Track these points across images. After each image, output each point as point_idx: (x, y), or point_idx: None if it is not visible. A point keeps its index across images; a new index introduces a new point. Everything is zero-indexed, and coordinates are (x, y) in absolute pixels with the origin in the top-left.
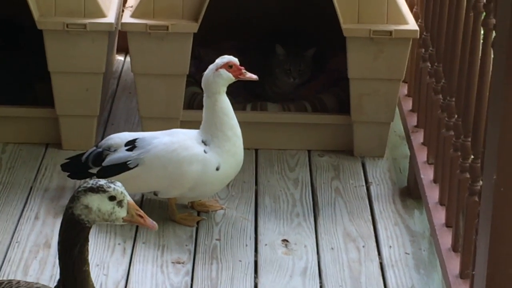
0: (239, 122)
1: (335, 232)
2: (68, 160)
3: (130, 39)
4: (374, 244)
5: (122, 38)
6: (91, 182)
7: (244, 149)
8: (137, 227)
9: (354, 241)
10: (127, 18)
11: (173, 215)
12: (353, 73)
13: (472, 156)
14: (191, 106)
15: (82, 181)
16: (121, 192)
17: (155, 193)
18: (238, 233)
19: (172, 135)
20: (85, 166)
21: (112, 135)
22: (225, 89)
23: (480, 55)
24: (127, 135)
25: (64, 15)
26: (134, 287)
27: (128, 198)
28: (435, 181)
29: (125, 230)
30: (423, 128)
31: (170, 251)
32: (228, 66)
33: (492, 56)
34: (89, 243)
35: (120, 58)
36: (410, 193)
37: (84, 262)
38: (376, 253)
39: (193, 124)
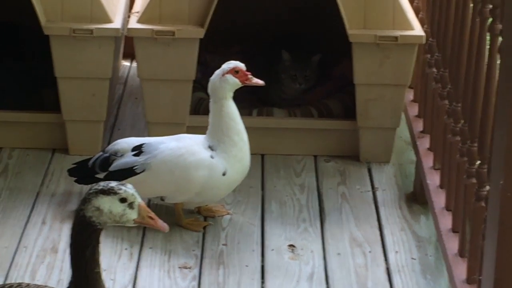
0: (245, 127)
1: (341, 238)
2: (75, 165)
3: (137, 45)
4: (381, 249)
5: (128, 43)
6: (102, 184)
7: (251, 154)
8: (144, 232)
9: (360, 246)
10: (133, 23)
11: (179, 220)
12: (359, 78)
13: (479, 162)
14: (197, 112)
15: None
16: (132, 194)
17: (162, 198)
18: (245, 238)
19: (179, 140)
20: (92, 171)
21: (118, 140)
22: (231, 94)
23: (486, 60)
24: (134, 140)
25: (70, 20)
26: None
27: (139, 200)
28: (441, 186)
29: (132, 235)
30: (429, 134)
31: (177, 256)
32: (235, 72)
33: (499, 61)
34: None
35: (126, 63)
36: (416, 199)
37: (96, 263)
38: (383, 258)
39: (199, 130)
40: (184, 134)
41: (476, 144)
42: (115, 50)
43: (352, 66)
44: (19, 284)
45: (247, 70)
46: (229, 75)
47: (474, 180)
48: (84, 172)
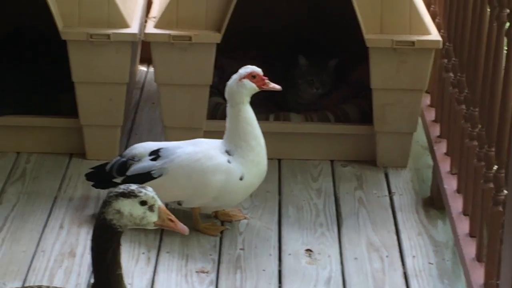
0: (262, 132)
1: (358, 242)
2: (92, 170)
3: (154, 50)
4: (398, 254)
5: (145, 48)
6: (122, 187)
7: (268, 159)
8: (161, 236)
9: (377, 251)
10: (150, 28)
11: (197, 225)
12: (376, 83)
13: (496, 166)
14: (214, 116)
15: (108, 190)
16: (152, 197)
17: (179, 203)
18: (262, 243)
19: (196, 145)
20: (109, 175)
21: (136, 145)
22: (248, 99)
23: (503, 64)
24: (151, 145)
25: (88, 25)
26: None
27: (159, 202)
28: (458, 191)
29: (149, 239)
30: (446, 138)
31: (194, 261)
32: (252, 76)
33: None
34: None
35: (143, 68)
36: (433, 203)
37: (118, 265)
38: (400, 263)
39: (216, 134)
40: (201, 139)
41: (493, 149)
42: (132, 55)
43: (368, 71)
44: (39, 287)
45: (264, 75)
46: (246, 80)
47: (491, 185)
48: (101, 177)
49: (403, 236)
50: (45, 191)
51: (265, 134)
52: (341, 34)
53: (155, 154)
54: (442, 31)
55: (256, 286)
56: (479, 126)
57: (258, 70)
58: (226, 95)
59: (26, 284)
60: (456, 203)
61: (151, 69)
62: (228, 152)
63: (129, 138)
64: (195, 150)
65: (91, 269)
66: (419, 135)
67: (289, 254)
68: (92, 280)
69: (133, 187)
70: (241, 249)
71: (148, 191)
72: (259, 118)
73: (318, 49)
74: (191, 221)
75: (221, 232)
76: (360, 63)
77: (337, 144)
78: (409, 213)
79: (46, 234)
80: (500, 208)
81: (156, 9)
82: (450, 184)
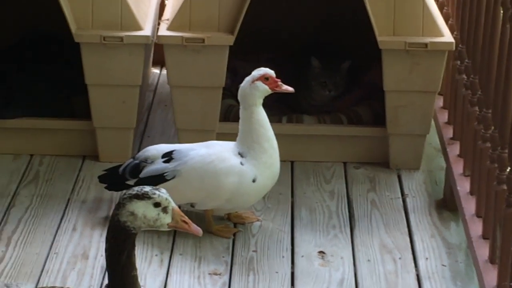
0: (275, 134)
1: (371, 244)
2: (105, 172)
3: (167, 52)
4: (411, 256)
5: (158, 50)
6: (136, 189)
7: (280, 161)
8: (174, 238)
9: (390, 253)
10: (163, 31)
11: (209, 227)
12: (389, 85)
13: (509, 168)
14: (227, 119)
15: (121, 192)
16: (166, 199)
17: (192, 205)
18: (275, 245)
19: (209, 147)
20: (122, 177)
21: (149, 147)
22: (261, 101)
23: None
24: (164, 147)
25: (101, 28)
26: None
27: (173, 204)
28: (471, 193)
29: (162, 241)
30: (459, 140)
31: (207, 263)
32: (265, 78)
33: None
34: None
35: (156, 71)
36: (446, 205)
37: (132, 267)
38: (413, 265)
39: (229, 136)
40: (214, 141)
41: (506, 151)
42: (145, 57)
43: (381, 73)
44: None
45: (277, 77)
46: (259, 82)
47: (504, 187)
48: (114, 179)
49: (416, 238)
50: (58, 193)
51: (277, 136)
52: (354, 36)
53: (168, 156)
54: (455, 33)
55: None
56: (492, 128)
57: (271, 72)
58: (239, 97)
59: (39, 286)
60: (469, 205)
61: (164, 72)
62: (241, 154)
63: (142, 140)
64: (208, 152)
65: (104, 271)
66: (432, 137)
67: (302, 256)
68: (105, 282)
69: (147, 189)
70: (253, 251)
71: (162, 192)
72: (272, 120)
73: (331, 51)
74: (204, 223)
75: (234, 234)
76: (373, 65)
77: (350, 146)
78: (422, 215)
79: (59, 236)
80: None
81: (169, 12)
82: (463, 186)
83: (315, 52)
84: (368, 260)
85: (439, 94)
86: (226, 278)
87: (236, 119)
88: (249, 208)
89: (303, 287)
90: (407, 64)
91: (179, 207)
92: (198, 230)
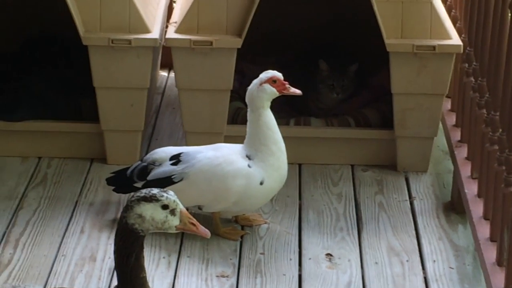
0: (282, 137)
1: (379, 247)
2: (113, 174)
3: (175, 55)
4: (418, 258)
5: (166, 53)
6: (144, 191)
7: (288, 163)
8: (181, 241)
9: (398, 255)
10: (171, 33)
11: (217, 229)
12: (397, 88)
13: None
14: (235, 121)
15: (128, 194)
16: (174, 201)
17: (200, 207)
18: (282, 247)
19: (217, 150)
20: (130, 180)
21: (157, 150)
22: (269, 103)
23: None
24: (172, 150)
25: (109, 31)
26: None
27: (181, 206)
28: (479, 195)
29: (170, 243)
30: (467, 143)
31: (215, 265)
32: (272, 81)
33: None
34: None
35: (164, 73)
36: (454, 208)
37: (141, 269)
38: (420, 267)
39: (237, 139)
40: (221, 144)
41: None
42: (153, 60)
43: (389, 76)
44: None
45: (285, 80)
46: (266, 84)
47: None
48: (122, 181)
49: (424, 240)
50: (66, 195)
51: (285, 138)
52: (362, 38)
53: (176, 159)
54: (463, 35)
55: None
56: (500, 130)
57: (278, 75)
58: (247, 100)
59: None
60: (476, 208)
61: (172, 74)
62: (248, 157)
63: (149, 143)
64: (216, 155)
65: (111, 273)
66: (440, 140)
67: (309, 259)
68: (113, 284)
69: (155, 191)
70: (261, 253)
71: (169, 195)
72: (279, 123)
73: (339, 54)
74: (211, 226)
75: (241, 237)
76: (380, 67)
77: (357, 148)
78: (430, 218)
79: (67, 238)
80: None
81: (177, 14)
82: (471, 188)
83: (323, 55)
84: (376, 263)
85: (447, 96)
86: (233, 280)
87: (244, 121)
88: (257, 211)
89: None
90: (415, 67)
91: (187, 209)
92: (206, 232)
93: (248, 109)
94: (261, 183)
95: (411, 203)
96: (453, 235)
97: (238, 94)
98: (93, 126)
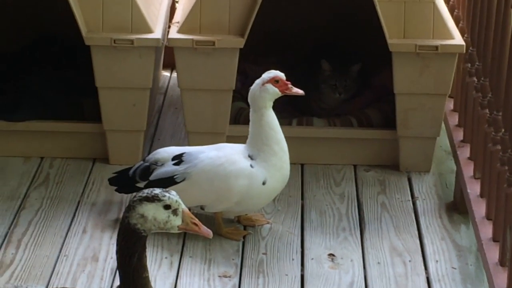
0: (285, 137)
1: (381, 247)
2: (115, 174)
3: (177, 55)
4: (421, 258)
5: (168, 53)
6: (146, 191)
7: (290, 163)
8: (184, 241)
9: (400, 255)
10: (173, 33)
11: (219, 229)
12: (399, 88)
13: None
14: (237, 121)
15: (132, 193)
16: (176, 201)
17: (202, 207)
18: (285, 247)
19: (219, 150)
20: (132, 180)
21: (159, 150)
22: (271, 103)
23: None
24: (174, 150)
25: (111, 31)
26: None
27: (183, 206)
28: (481, 195)
29: (172, 244)
30: (470, 143)
31: (217, 265)
32: (275, 81)
33: None
34: None
35: (166, 73)
36: (456, 208)
37: (144, 269)
38: (423, 267)
39: (239, 139)
40: (224, 144)
41: None
42: (155, 60)
43: (392, 76)
44: None
45: (287, 80)
46: (269, 84)
47: None
48: (124, 181)
49: (426, 240)
50: (69, 195)
51: (288, 138)
52: (364, 38)
53: (178, 159)
54: (465, 35)
55: None
56: (503, 130)
57: (281, 75)
58: (249, 100)
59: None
60: (479, 208)
61: (174, 75)
62: (251, 157)
63: (152, 143)
64: (218, 155)
65: (114, 273)
66: (442, 140)
67: (312, 259)
68: (115, 284)
69: (157, 191)
70: (263, 253)
71: (171, 195)
72: (282, 123)
73: (341, 54)
74: (213, 226)
75: (244, 237)
76: (383, 67)
77: (360, 148)
78: (432, 218)
79: (69, 239)
80: None
81: (180, 15)
82: (473, 188)
83: (325, 55)
84: (378, 263)
85: (450, 96)
86: (236, 280)
87: (246, 121)
88: (259, 211)
89: None
90: (417, 67)
91: (189, 209)
92: (208, 232)
93: (251, 109)
94: (264, 183)
95: (414, 203)
96: (455, 235)
97: (241, 94)
98: (95, 126)
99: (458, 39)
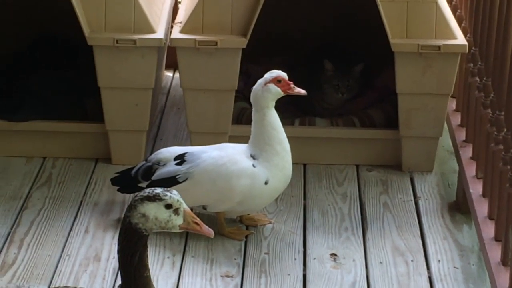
0: (287, 137)
1: (383, 246)
2: (117, 174)
3: (179, 55)
4: (423, 258)
5: (171, 53)
6: (147, 190)
7: (293, 163)
8: (186, 241)
9: (402, 255)
10: (176, 33)
11: (221, 229)
12: (402, 88)
13: None
14: (239, 121)
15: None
16: (177, 200)
17: (204, 207)
18: (287, 247)
19: (221, 150)
20: (134, 180)
21: (161, 150)
22: (273, 103)
23: None
24: (177, 150)
25: (114, 31)
26: None
27: (184, 205)
28: (484, 195)
29: (174, 243)
30: (472, 143)
31: (219, 265)
32: (277, 81)
33: None
34: None
35: (168, 74)
36: (458, 208)
37: (145, 268)
38: (425, 267)
39: (241, 139)
40: (226, 143)
41: None
42: (158, 60)
43: (394, 76)
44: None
45: (289, 80)
46: (271, 84)
47: None
48: (127, 181)
49: (428, 240)
50: (71, 195)
51: (290, 138)
52: (367, 38)
53: (181, 159)
54: (468, 35)
55: None
56: (505, 130)
57: (283, 75)
58: (252, 100)
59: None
60: (481, 207)
61: (177, 75)
62: (253, 157)
63: (154, 143)
64: (220, 155)
65: (116, 273)
66: (445, 140)
67: (314, 259)
68: (118, 284)
69: (158, 190)
70: (265, 253)
71: (173, 194)
72: (284, 123)
73: (344, 54)
74: (216, 226)
75: (246, 237)
76: (385, 67)
77: (362, 148)
78: (435, 218)
79: (72, 238)
80: None
81: (182, 15)
82: (476, 188)
83: (328, 55)
84: (380, 263)
85: (452, 96)
86: (238, 280)
87: (248, 122)
88: (261, 211)
89: None
90: (420, 67)
91: (191, 209)
92: (210, 231)
93: (253, 109)
94: (266, 183)
95: (416, 203)
96: (458, 235)
97: (243, 94)
98: (98, 126)
99: (460, 39)
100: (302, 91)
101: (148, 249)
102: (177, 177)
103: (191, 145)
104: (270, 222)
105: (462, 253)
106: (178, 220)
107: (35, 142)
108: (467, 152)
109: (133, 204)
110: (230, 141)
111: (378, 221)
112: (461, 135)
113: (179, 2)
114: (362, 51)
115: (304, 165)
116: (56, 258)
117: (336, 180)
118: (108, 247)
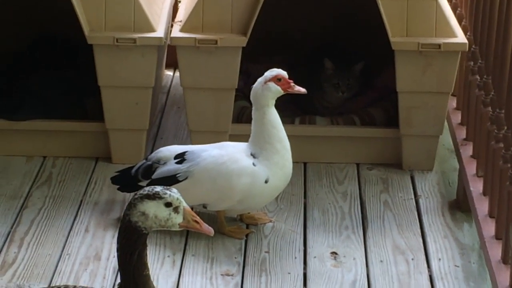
0: (287, 135)
1: (384, 245)
2: (118, 173)
3: (179, 53)
4: (424, 256)
5: (171, 52)
6: (147, 189)
7: (293, 162)
8: (186, 239)
9: (403, 253)
10: (176, 32)
11: (222, 228)
12: (402, 86)
13: None
14: (240, 120)
15: (135, 192)
16: (177, 198)
17: (204, 206)
18: (287, 246)
19: (221, 148)
20: (134, 179)
21: (161, 148)
22: (273, 102)
23: None
24: (177, 148)
25: (114, 30)
26: None
27: (184, 204)
28: (484, 193)
29: (175, 242)
30: (472, 141)
31: (220, 264)
32: (277, 79)
33: None
34: None
35: (169, 73)
36: (459, 206)
37: (144, 266)
38: (426, 265)
39: (242, 138)
40: (226, 142)
41: None
42: (158, 59)
43: (394, 74)
44: (66, 286)
45: (290, 78)
46: (271, 82)
47: None
48: (127, 180)
49: (429, 239)
50: (71, 194)
51: (290, 137)
52: (367, 37)
53: (181, 157)
54: (468, 33)
55: None
56: (505, 128)
57: (283, 73)
58: (252, 98)
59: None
60: (482, 206)
61: (177, 74)
62: (253, 155)
63: (154, 142)
64: (221, 153)
65: (116, 272)
66: (445, 138)
67: (314, 257)
68: (118, 282)
69: (158, 189)
70: (266, 252)
71: (173, 192)
72: (284, 122)
73: (344, 52)
74: (216, 224)
75: (246, 235)
76: (385, 66)
77: (362, 147)
78: (435, 216)
79: (72, 238)
80: None
81: (182, 13)
82: (476, 186)
83: (328, 53)
84: (381, 261)
85: (452, 95)
86: (238, 279)
87: (249, 120)
88: (262, 209)
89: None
90: (420, 65)
91: (192, 208)
92: (210, 230)
93: (253, 108)
94: (266, 182)
95: (417, 202)
96: (458, 233)
97: (243, 93)
98: (98, 125)
99: (461, 37)
100: (302, 90)
101: (149, 247)
102: (177, 175)
103: (191, 143)
104: (271, 221)
105: (462, 252)
106: (178, 219)
107: (35, 141)
108: (467, 150)
109: (133, 202)
110: (230, 140)
111: (378, 219)
112: (462, 133)
113: (179, 1)
114: (362, 51)
115: (305, 163)
116: (56, 257)
117: (336, 179)
118: (108, 246)
